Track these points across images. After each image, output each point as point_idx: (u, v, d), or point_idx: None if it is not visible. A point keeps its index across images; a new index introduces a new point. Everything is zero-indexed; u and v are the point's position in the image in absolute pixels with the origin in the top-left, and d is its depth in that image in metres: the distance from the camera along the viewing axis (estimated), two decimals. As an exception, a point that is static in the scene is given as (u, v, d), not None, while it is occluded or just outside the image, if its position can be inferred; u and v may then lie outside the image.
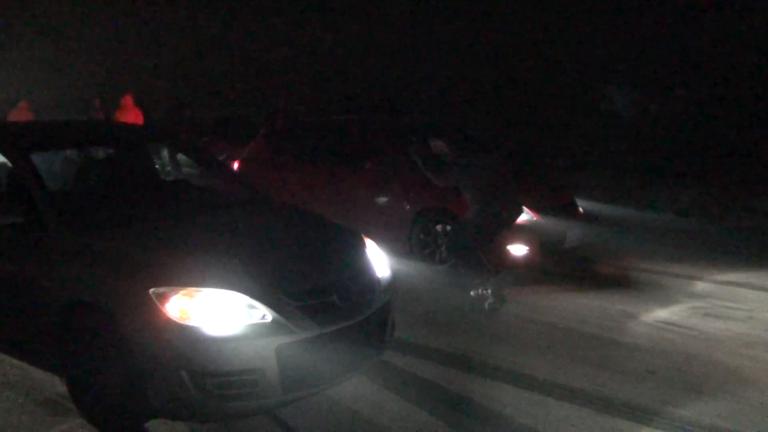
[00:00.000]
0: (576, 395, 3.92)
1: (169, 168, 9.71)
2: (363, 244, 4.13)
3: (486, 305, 5.47)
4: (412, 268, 6.46)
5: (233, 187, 4.82)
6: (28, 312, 3.61)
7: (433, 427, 3.58)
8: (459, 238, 5.66)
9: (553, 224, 6.50)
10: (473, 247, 5.53)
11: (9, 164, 4.00)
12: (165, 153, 10.30)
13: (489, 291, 5.50)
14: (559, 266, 6.81)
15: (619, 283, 6.47)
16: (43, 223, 3.60)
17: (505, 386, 4.02)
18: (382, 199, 7.06)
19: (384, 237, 7.03)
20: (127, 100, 11.95)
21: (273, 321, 3.21)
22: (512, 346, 4.71)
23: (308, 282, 3.48)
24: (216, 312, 3.15)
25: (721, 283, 6.46)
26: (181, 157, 9.06)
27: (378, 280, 3.87)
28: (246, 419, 3.49)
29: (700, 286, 6.36)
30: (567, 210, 6.92)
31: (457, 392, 3.97)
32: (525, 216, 6.37)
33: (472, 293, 5.57)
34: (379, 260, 4.06)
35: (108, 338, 3.23)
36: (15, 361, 3.85)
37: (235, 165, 8.69)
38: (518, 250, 6.29)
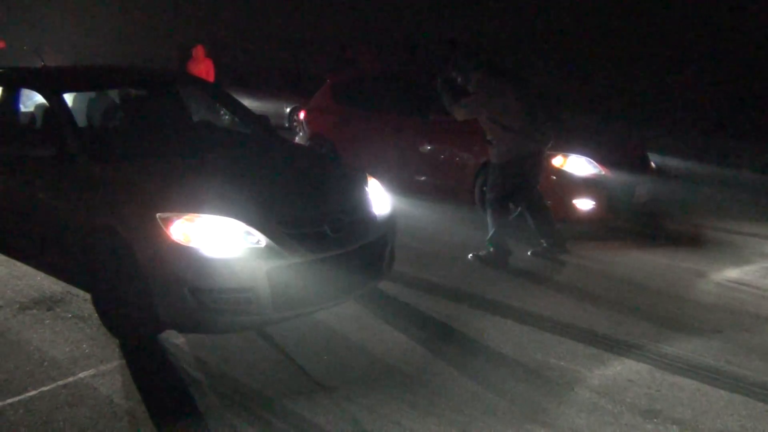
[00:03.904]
0: (635, 351, 3.84)
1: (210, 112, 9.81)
2: (363, 182, 4.38)
3: (482, 254, 5.33)
4: (474, 218, 6.42)
5: (254, 127, 5.20)
6: (60, 235, 3.99)
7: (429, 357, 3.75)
8: (490, 186, 5.39)
9: (621, 178, 6.28)
10: (501, 195, 5.29)
11: (45, 103, 4.45)
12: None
13: (490, 247, 5.33)
14: (627, 222, 6.61)
15: (690, 240, 6.24)
16: (71, 155, 4.00)
17: (562, 339, 3.98)
18: (446, 151, 7.00)
19: (448, 188, 7.02)
20: (199, 52, 12.18)
21: (266, 246, 3.50)
22: (572, 300, 4.63)
23: (302, 212, 3.79)
24: (214, 236, 3.46)
25: (800, 243, 6.15)
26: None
27: (374, 216, 4.12)
28: (240, 335, 3.86)
29: (777, 246, 6.07)
30: (637, 164, 6.67)
31: (497, 339, 3.95)
32: (593, 169, 6.21)
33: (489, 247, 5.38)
34: (379, 198, 4.30)
35: (123, 258, 3.58)
36: (87, 295, 4.08)
37: (302, 115, 8.77)
38: (584, 204, 6.14)
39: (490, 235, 5.36)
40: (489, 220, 5.39)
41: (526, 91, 5.32)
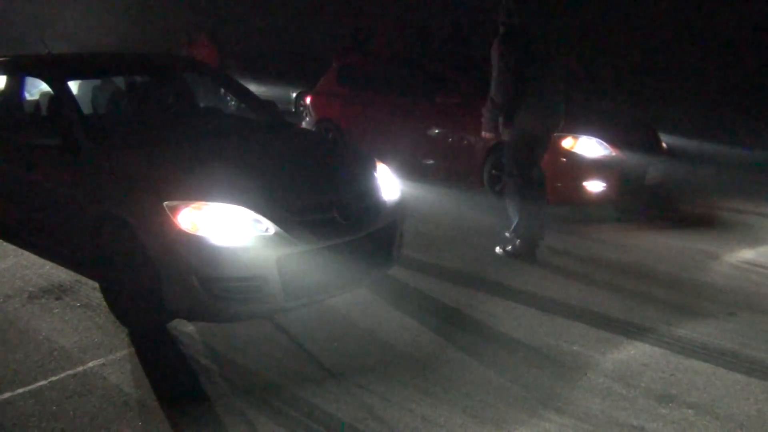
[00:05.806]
0: (649, 335, 3.79)
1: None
2: (373, 168, 4.33)
3: (510, 248, 5.06)
4: (483, 201, 6.37)
5: (261, 113, 5.15)
6: (67, 225, 3.97)
7: (438, 345, 3.68)
8: (507, 164, 5.06)
9: (633, 160, 6.20)
10: (519, 172, 4.94)
11: (50, 91, 4.40)
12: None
13: (517, 240, 5.03)
14: (639, 204, 6.53)
15: (703, 222, 6.16)
16: (77, 144, 3.95)
17: (574, 323, 3.93)
18: (454, 133, 6.93)
19: (456, 171, 6.96)
20: (202, 37, 12.14)
21: (275, 234, 3.46)
22: (584, 284, 4.58)
23: (310, 199, 3.73)
24: (222, 224, 3.43)
25: (816, 224, 6.06)
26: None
27: (383, 201, 4.08)
28: (250, 323, 3.85)
29: (793, 226, 5.99)
30: (649, 145, 6.57)
31: (508, 324, 3.91)
32: (603, 150, 6.12)
33: (506, 234, 5.16)
34: (388, 183, 4.27)
35: (131, 247, 3.57)
36: (95, 284, 4.07)
37: (308, 99, 8.71)
38: (595, 186, 6.07)
39: (514, 225, 5.07)
40: (510, 208, 5.10)
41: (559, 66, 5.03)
